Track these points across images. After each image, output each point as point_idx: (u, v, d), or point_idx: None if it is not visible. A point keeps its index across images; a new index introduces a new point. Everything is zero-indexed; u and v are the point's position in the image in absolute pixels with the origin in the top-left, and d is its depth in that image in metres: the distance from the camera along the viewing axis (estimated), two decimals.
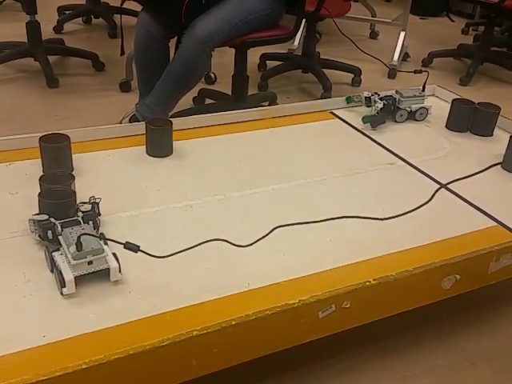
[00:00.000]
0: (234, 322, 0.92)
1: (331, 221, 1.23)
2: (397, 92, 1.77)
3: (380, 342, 1.28)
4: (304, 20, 2.75)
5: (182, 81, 1.97)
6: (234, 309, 0.95)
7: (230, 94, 2.30)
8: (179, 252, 1.02)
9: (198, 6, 1.91)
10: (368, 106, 1.77)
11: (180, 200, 1.28)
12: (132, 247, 0.95)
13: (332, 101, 1.88)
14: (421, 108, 1.77)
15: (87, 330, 0.90)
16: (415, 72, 1.82)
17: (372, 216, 1.26)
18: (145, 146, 1.48)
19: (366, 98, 1.78)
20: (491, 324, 1.36)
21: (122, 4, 2.19)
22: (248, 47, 2.10)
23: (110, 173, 1.38)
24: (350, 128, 1.73)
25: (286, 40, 2.16)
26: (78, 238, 0.94)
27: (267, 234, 1.11)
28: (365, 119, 1.71)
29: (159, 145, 1.47)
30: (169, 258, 1.06)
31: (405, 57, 3.34)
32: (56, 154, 1.32)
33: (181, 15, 1.90)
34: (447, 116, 1.76)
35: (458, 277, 1.15)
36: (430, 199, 1.33)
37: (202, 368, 0.94)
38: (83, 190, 1.21)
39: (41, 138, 1.32)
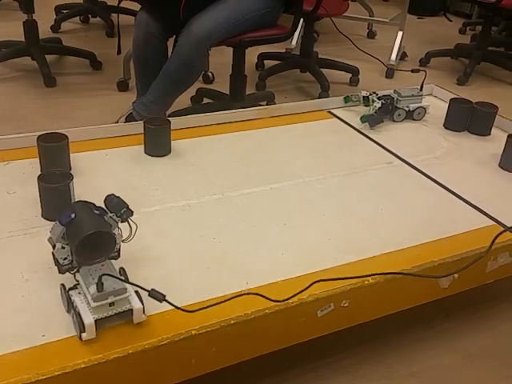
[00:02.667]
0: (232, 322, 0.92)
1: (329, 220, 1.24)
2: (395, 91, 1.78)
3: (377, 341, 1.28)
4: (302, 19, 2.76)
5: (178, 80, 1.97)
6: (233, 308, 0.95)
7: (228, 93, 2.30)
8: (209, 306, 0.90)
9: (197, 2, 1.91)
10: (366, 106, 1.77)
11: (178, 199, 1.28)
12: (157, 296, 0.85)
13: (330, 100, 1.88)
14: (419, 107, 1.78)
15: None
16: (413, 71, 1.82)
17: (370, 216, 1.26)
18: (143, 146, 1.48)
19: (364, 97, 1.78)
20: (489, 322, 1.37)
21: (119, 3, 2.19)
22: (246, 46, 2.10)
23: (107, 172, 1.38)
24: (348, 127, 1.73)
25: (284, 39, 2.16)
26: (100, 278, 0.86)
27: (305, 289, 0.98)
28: (363, 119, 1.71)
29: (157, 144, 1.47)
30: (168, 258, 1.07)
31: (402, 56, 3.34)
32: (54, 154, 1.32)
33: (179, 12, 1.90)
34: (445, 115, 1.77)
35: (456, 276, 1.15)
36: None
37: (201, 367, 0.95)
38: (81, 190, 1.21)
39: (39, 138, 1.32)
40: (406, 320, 1.30)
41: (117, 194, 0.95)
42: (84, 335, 0.86)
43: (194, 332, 0.89)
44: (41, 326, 0.90)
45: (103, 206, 0.93)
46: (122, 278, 0.91)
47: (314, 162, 1.50)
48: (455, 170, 1.52)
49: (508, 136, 1.53)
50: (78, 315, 0.86)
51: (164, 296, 0.85)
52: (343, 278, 1.00)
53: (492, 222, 1.29)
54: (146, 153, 1.47)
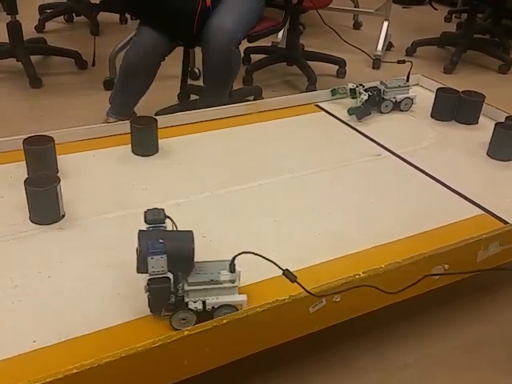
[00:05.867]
0: (224, 321, 0.92)
1: (319, 215, 1.24)
2: (381, 83, 1.77)
3: (371, 333, 1.28)
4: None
5: (222, 79, 2.01)
6: None
7: None
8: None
9: (208, 13, 1.91)
10: (353, 98, 1.77)
11: (167, 199, 1.27)
12: (290, 277, 0.92)
13: (317, 93, 1.88)
14: (406, 98, 1.78)
15: (78, 334, 0.89)
16: (399, 62, 1.82)
17: (360, 209, 1.26)
18: (130, 145, 1.47)
19: (350, 89, 1.78)
20: (483, 311, 1.37)
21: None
22: (253, 41, 2.10)
23: (95, 173, 1.37)
24: (336, 120, 1.73)
25: (279, 30, 2.15)
26: (233, 259, 0.95)
27: None
28: (350, 111, 1.71)
29: (144, 143, 1.46)
30: None
31: (389, 46, 3.33)
32: (40, 157, 1.31)
33: (193, 28, 1.89)
34: (432, 105, 1.77)
35: (446, 266, 1.15)
36: None
37: (194, 368, 0.94)
38: (69, 192, 1.20)
39: (24, 141, 1.31)
40: (399, 312, 1.30)
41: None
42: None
43: (186, 333, 0.89)
44: (31, 331, 0.90)
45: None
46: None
47: (303, 156, 1.50)
48: (444, 160, 1.52)
49: (495, 124, 1.54)
50: (231, 306, 0.95)
51: (296, 277, 0.91)
52: None
53: (481, 212, 1.29)
54: (133, 152, 1.46)
